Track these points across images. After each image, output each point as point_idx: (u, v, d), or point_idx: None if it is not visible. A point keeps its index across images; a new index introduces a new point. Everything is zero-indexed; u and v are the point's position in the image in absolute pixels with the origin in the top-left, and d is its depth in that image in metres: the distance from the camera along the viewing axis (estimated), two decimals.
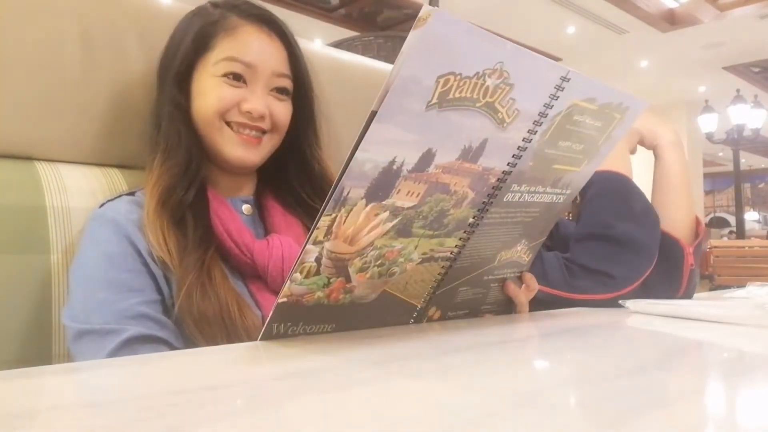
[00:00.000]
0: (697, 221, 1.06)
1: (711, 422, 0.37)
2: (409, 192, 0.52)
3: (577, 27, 6.10)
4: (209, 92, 0.76)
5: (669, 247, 1.00)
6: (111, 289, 0.66)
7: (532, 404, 0.38)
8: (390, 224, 0.53)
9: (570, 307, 0.91)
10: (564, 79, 0.56)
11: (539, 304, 0.90)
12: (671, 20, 6.01)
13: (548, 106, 0.57)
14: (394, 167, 0.49)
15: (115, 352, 0.62)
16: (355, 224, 0.50)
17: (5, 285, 0.71)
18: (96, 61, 0.81)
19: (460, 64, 0.47)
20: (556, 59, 5.75)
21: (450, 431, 0.33)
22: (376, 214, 0.51)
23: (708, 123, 7.57)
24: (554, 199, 0.69)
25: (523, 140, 0.58)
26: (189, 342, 0.66)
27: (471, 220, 0.61)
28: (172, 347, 0.66)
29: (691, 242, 1.02)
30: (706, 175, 10.36)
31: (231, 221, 0.74)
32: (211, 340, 0.65)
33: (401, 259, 0.58)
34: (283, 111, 0.80)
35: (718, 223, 12.61)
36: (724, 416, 0.39)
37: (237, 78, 0.76)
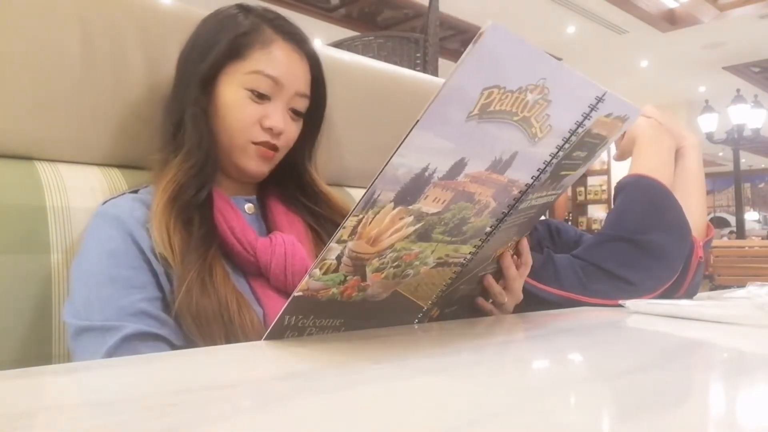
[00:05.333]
0: (708, 225, 1.10)
1: (711, 422, 0.37)
2: (435, 198, 0.52)
3: (577, 27, 6.11)
4: (235, 107, 0.76)
5: None
6: (113, 286, 0.66)
7: (532, 404, 0.38)
8: (412, 228, 0.53)
9: (577, 306, 0.90)
10: (599, 99, 0.57)
11: (549, 305, 0.89)
12: (671, 20, 6.02)
13: (580, 124, 0.58)
14: (426, 174, 0.49)
15: (115, 349, 0.62)
16: (380, 226, 0.51)
17: (5, 285, 0.71)
18: (96, 61, 0.81)
19: (506, 77, 0.48)
20: (556, 59, 5.73)
21: (451, 430, 0.33)
22: (401, 218, 0.51)
23: (708, 123, 7.57)
24: (549, 199, 0.70)
25: (549, 155, 0.58)
26: (189, 340, 0.66)
27: (488, 229, 0.61)
28: (172, 345, 0.66)
29: (701, 238, 1.04)
30: (706, 175, 10.26)
31: (234, 219, 0.75)
32: (209, 338, 0.65)
33: (417, 262, 0.58)
34: (294, 131, 0.82)
35: (718, 223, 12.60)
36: (724, 416, 0.39)
37: (261, 96, 0.77)
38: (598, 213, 8.23)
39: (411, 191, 0.49)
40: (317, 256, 0.56)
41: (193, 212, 0.72)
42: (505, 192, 0.58)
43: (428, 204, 0.52)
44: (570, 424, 0.35)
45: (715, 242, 5.91)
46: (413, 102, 1.12)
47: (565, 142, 0.58)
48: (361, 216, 0.49)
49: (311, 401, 0.38)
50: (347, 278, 0.54)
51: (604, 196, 7.94)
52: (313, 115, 0.85)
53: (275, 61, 0.77)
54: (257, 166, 0.79)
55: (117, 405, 0.37)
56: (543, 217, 1.35)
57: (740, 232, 8.24)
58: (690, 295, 1.02)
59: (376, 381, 0.44)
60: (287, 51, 0.79)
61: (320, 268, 0.51)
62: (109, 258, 0.68)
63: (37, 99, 0.78)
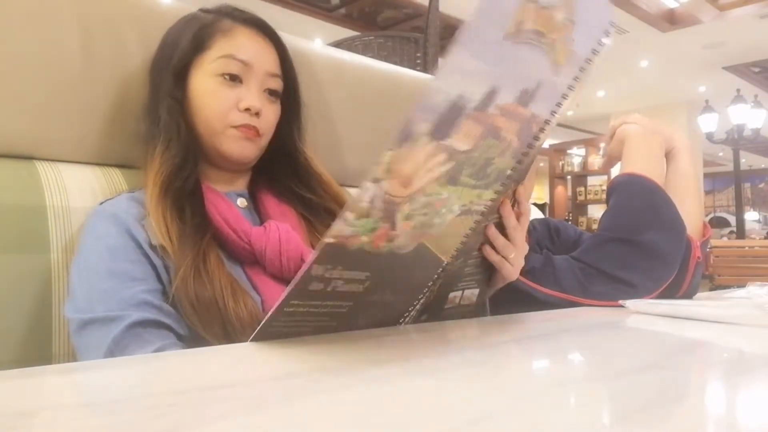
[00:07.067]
0: (705, 225, 1.11)
1: (711, 422, 0.37)
2: (467, 133, 0.52)
3: None
4: (208, 94, 0.78)
5: None
6: (114, 279, 0.67)
7: (532, 404, 0.38)
8: (444, 168, 0.53)
9: (575, 306, 0.90)
10: (612, 24, 0.57)
11: (549, 307, 0.89)
12: (671, 20, 6.01)
13: (595, 52, 0.58)
14: (461, 102, 0.49)
15: (120, 338, 0.63)
16: (415, 163, 0.50)
17: (5, 284, 0.71)
18: (96, 60, 0.81)
19: None
20: None
21: (450, 431, 0.33)
22: (434, 156, 0.51)
23: (708, 123, 7.57)
24: (537, 146, 0.69)
25: (568, 87, 0.58)
26: (191, 329, 0.67)
27: (509, 171, 0.61)
28: (176, 333, 0.66)
29: (698, 239, 1.04)
30: (706, 175, 10.37)
31: (227, 210, 0.76)
32: (208, 325, 0.65)
33: (444, 210, 0.58)
34: (272, 113, 0.82)
35: (718, 223, 12.60)
36: (724, 416, 0.39)
37: (233, 78, 0.78)
38: (598, 213, 8.23)
39: (445, 121, 0.49)
40: (313, 244, 0.55)
41: (184, 202, 0.73)
42: (527, 129, 0.58)
43: (460, 139, 0.52)
44: (570, 424, 0.35)
45: (715, 242, 5.91)
46: (413, 102, 1.12)
47: (581, 72, 0.58)
48: (396, 151, 0.48)
49: (310, 401, 0.38)
50: (378, 225, 0.53)
51: (604, 196, 7.93)
52: (289, 96, 0.86)
53: (239, 44, 0.79)
54: (241, 149, 0.79)
55: (117, 405, 0.37)
56: (542, 217, 1.35)
57: (740, 232, 8.25)
58: (689, 295, 1.02)
59: (374, 381, 0.44)
60: (249, 35, 0.81)
61: (353, 211, 0.50)
62: (108, 253, 0.69)
63: (37, 99, 0.78)
